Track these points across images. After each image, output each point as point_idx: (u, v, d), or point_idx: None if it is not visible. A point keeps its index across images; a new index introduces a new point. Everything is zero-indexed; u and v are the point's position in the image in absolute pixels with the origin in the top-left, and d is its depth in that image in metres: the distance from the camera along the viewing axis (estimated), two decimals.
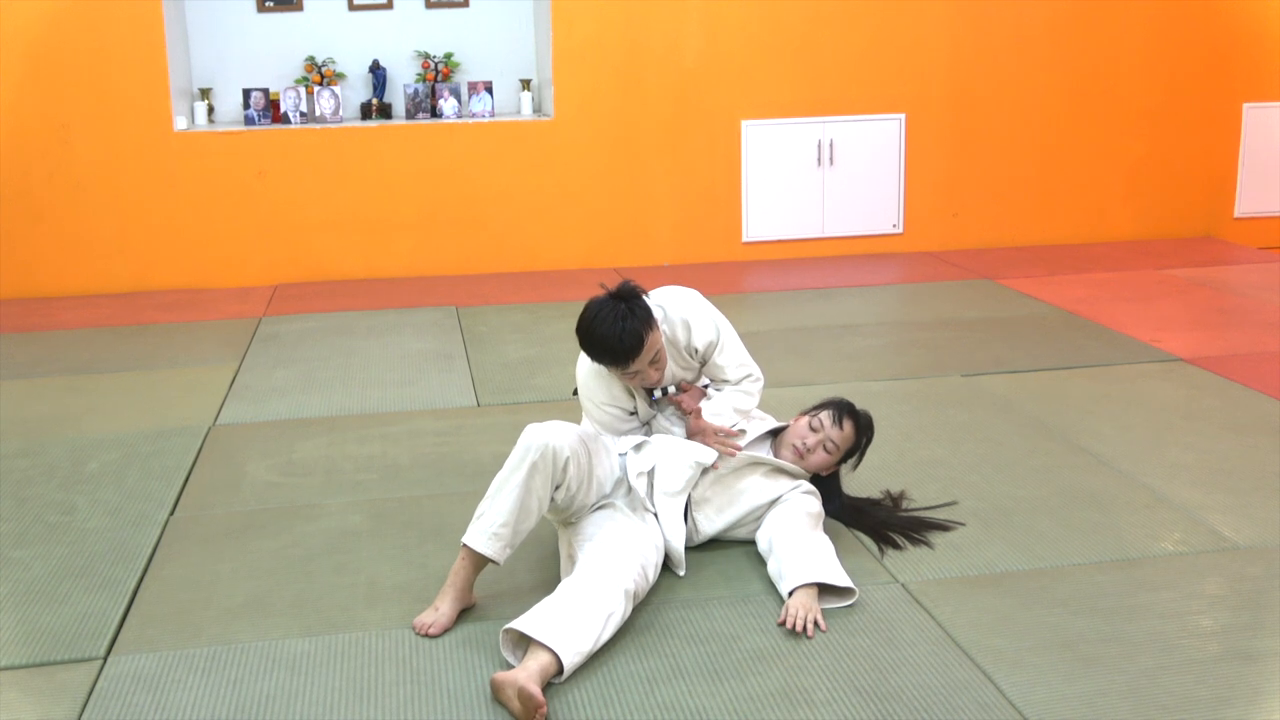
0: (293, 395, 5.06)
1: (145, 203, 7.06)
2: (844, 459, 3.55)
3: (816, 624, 2.97)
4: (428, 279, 7.32)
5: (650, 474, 3.31)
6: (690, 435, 3.45)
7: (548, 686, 2.69)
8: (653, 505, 3.28)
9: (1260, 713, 2.60)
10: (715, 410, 3.43)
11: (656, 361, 3.29)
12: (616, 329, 3.16)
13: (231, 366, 5.49)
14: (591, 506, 3.23)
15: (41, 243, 7.00)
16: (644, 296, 3.26)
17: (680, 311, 3.40)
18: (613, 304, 3.20)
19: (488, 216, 7.43)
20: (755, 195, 7.68)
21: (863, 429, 3.54)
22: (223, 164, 7.11)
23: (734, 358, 3.46)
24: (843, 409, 3.53)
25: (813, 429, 3.50)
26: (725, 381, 3.47)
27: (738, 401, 3.46)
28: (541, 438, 3.03)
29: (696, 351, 3.42)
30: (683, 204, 7.61)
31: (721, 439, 3.39)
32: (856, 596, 3.09)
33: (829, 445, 3.48)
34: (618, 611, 2.88)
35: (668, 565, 3.26)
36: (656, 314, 3.30)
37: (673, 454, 3.33)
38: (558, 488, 3.08)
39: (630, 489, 3.28)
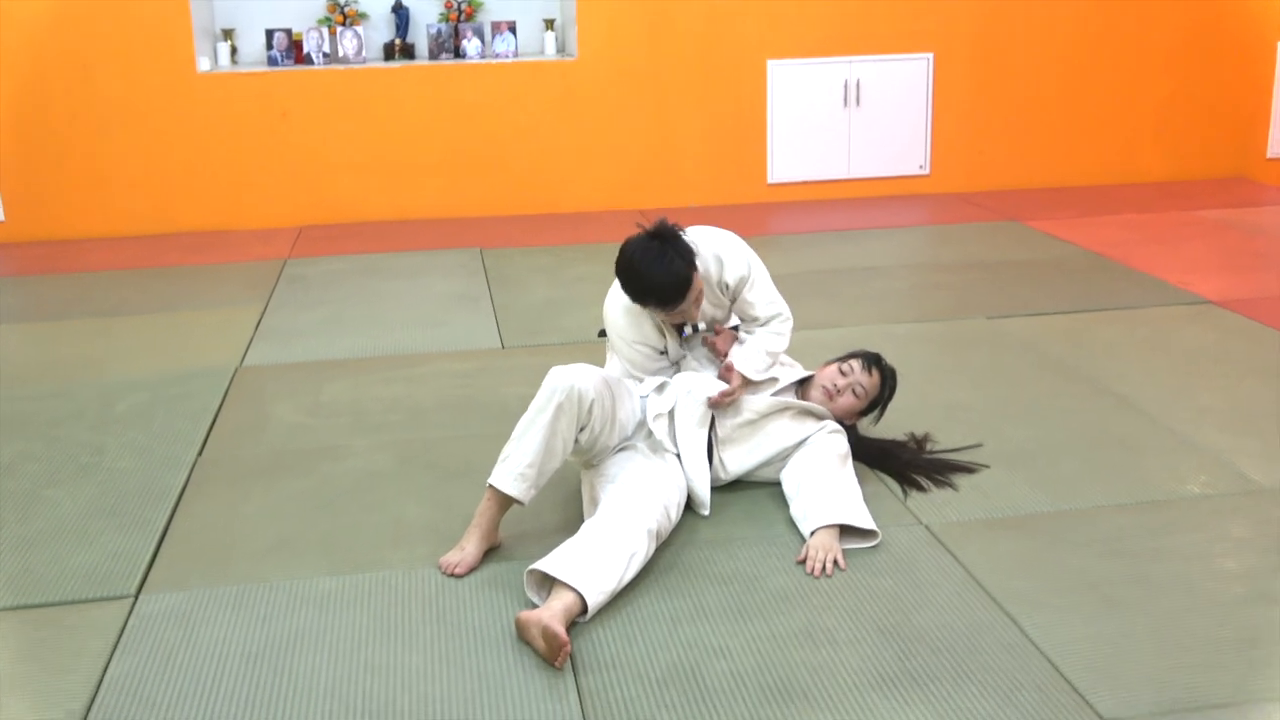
0: (319, 337, 5.08)
1: (169, 144, 7.06)
2: (868, 409, 3.55)
3: (837, 564, 2.98)
4: (452, 221, 7.31)
5: (670, 414, 3.31)
6: (722, 378, 3.45)
7: (572, 626, 2.71)
8: (674, 446, 3.28)
9: None
10: (747, 353, 3.42)
11: (697, 299, 3.27)
12: (662, 271, 3.13)
13: (257, 308, 5.51)
14: (614, 448, 3.24)
15: (65, 185, 7.02)
16: (681, 234, 3.23)
17: (713, 247, 3.37)
18: (655, 245, 3.16)
19: (511, 158, 7.40)
20: (781, 136, 7.62)
21: (886, 380, 3.54)
22: (246, 105, 7.10)
23: (764, 295, 3.43)
24: (871, 358, 3.54)
25: (842, 373, 3.51)
26: (755, 319, 3.45)
27: (769, 344, 3.45)
28: (567, 380, 3.04)
29: (728, 287, 3.40)
30: (707, 145, 7.56)
31: (736, 391, 3.37)
32: (879, 538, 3.10)
33: (858, 389, 3.48)
34: (640, 551, 2.89)
35: (691, 505, 3.28)
36: None
37: (691, 391, 3.33)
38: (582, 429, 3.09)
39: (651, 432, 3.29)
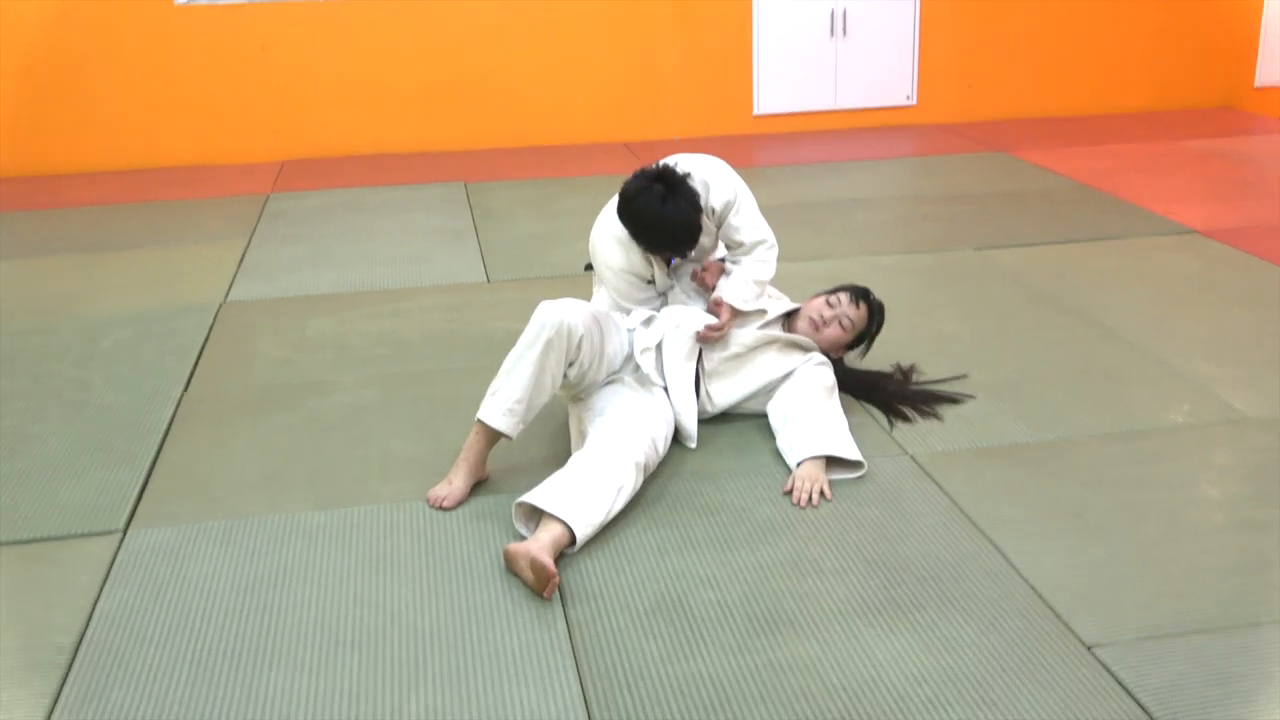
0: (303, 272, 5.06)
1: (148, 79, 6.98)
2: (854, 344, 3.56)
3: (823, 494, 3.00)
4: (435, 154, 7.26)
5: (658, 348, 3.32)
6: (710, 311, 3.45)
7: (560, 557, 2.72)
8: (662, 379, 3.29)
9: (1266, 581, 2.63)
10: (734, 284, 3.41)
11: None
12: (678, 222, 3.16)
13: (240, 243, 5.48)
14: (602, 382, 3.25)
15: (45, 120, 6.94)
16: (689, 182, 3.23)
17: (700, 172, 3.35)
18: (662, 191, 3.17)
19: (495, 90, 7.34)
20: (767, 67, 7.57)
21: (874, 314, 3.55)
22: (225, 38, 7.01)
23: (750, 220, 3.42)
24: (859, 291, 3.55)
25: (830, 305, 3.51)
26: (740, 245, 3.43)
27: (755, 272, 3.44)
28: (556, 315, 3.03)
29: (714, 212, 3.39)
30: (693, 76, 7.51)
31: (725, 325, 3.37)
32: (865, 469, 3.12)
33: (844, 321, 3.49)
34: (628, 484, 2.91)
35: (678, 438, 3.29)
36: None
37: (679, 324, 3.33)
38: (571, 364, 3.09)
39: (638, 365, 3.29)
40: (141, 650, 2.48)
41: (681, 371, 3.30)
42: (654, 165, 3.24)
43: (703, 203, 3.35)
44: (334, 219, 5.89)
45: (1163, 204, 5.69)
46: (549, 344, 3.02)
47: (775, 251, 3.48)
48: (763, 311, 3.49)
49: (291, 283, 4.92)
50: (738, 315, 3.43)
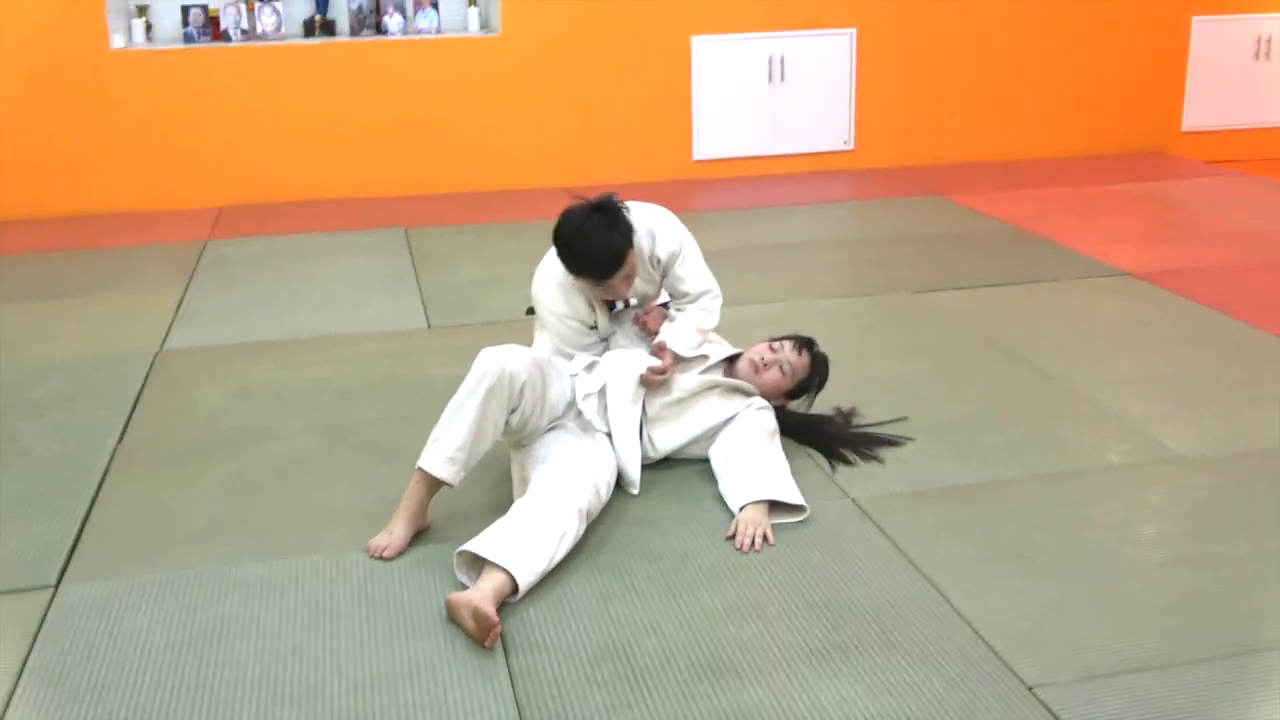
0: (241, 319, 5.01)
1: (83, 124, 6.90)
2: (795, 394, 3.57)
3: (765, 539, 3.00)
4: (376, 200, 7.23)
5: (601, 393, 3.31)
6: (653, 354, 3.45)
7: (503, 606, 2.70)
8: (605, 425, 3.28)
9: (1204, 618, 2.66)
10: (678, 331, 3.43)
11: (630, 276, 3.28)
12: (602, 242, 3.14)
13: (178, 290, 5.42)
14: (544, 429, 3.24)
15: None
16: (623, 209, 3.24)
17: (646, 222, 3.37)
18: (595, 216, 3.17)
19: (435, 135, 7.33)
20: (706, 113, 7.63)
21: (818, 366, 3.57)
22: (162, 83, 6.96)
23: (695, 271, 3.44)
24: (803, 341, 3.57)
25: (772, 349, 3.53)
26: (685, 295, 3.46)
27: (699, 321, 3.46)
28: (497, 362, 3.02)
29: (659, 262, 3.40)
30: (633, 122, 7.55)
31: (668, 369, 3.38)
32: (808, 513, 3.12)
33: (785, 366, 3.50)
34: (571, 530, 2.89)
35: (620, 484, 3.28)
36: None
37: (622, 369, 3.34)
38: (513, 411, 3.08)
39: (580, 411, 3.29)
40: (74, 708, 2.43)
41: (626, 416, 3.30)
42: (598, 197, 3.25)
43: (648, 252, 3.37)
44: (273, 265, 5.85)
45: (1095, 247, 5.78)
46: (490, 391, 3.01)
47: (719, 302, 3.50)
48: (705, 357, 3.50)
49: (230, 330, 4.87)
50: (680, 361, 3.43)
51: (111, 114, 6.92)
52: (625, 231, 3.19)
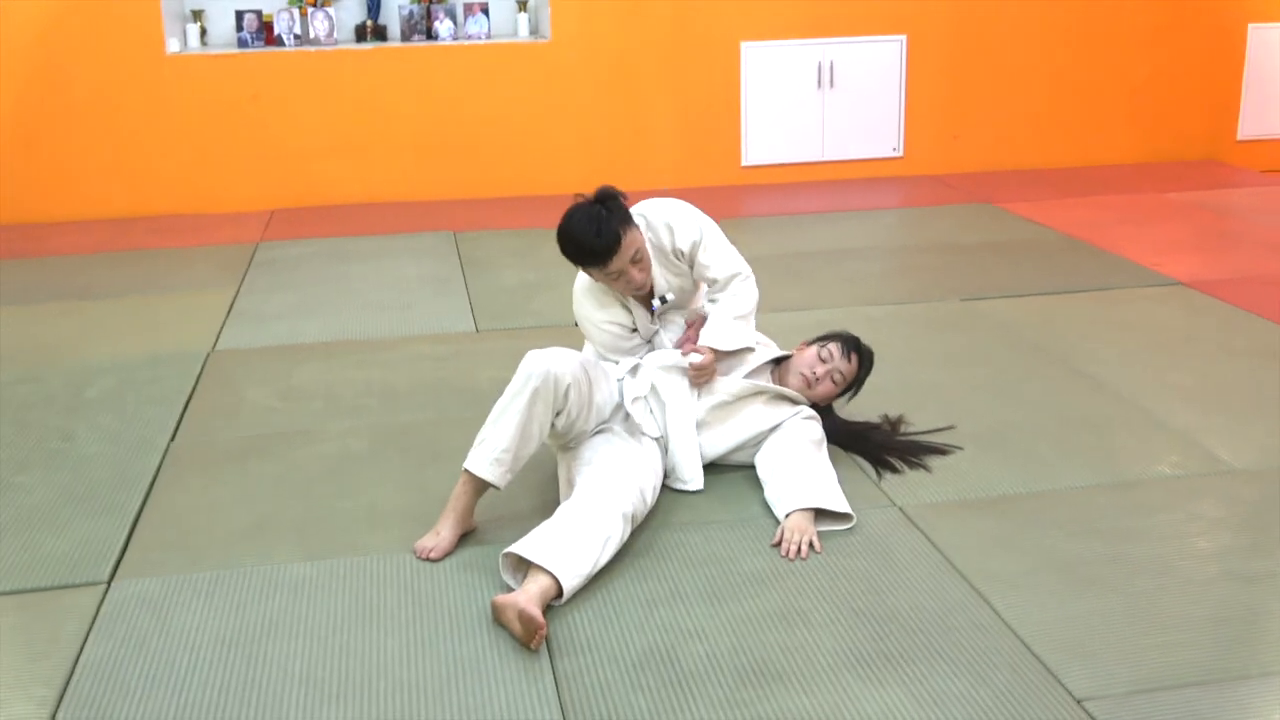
0: (291, 320, 5.05)
1: (138, 127, 6.99)
2: (845, 391, 3.56)
3: (812, 546, 2.99)
4: (424, 204, 7.27)
5: (649, 395, 3.32)
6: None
7: (547, 609, 2.71)
8: (654, 428, 3.29)
9: (1257, 633, 2.62)
10: (714, 327, 3.42)
11: (639, 261, 3.27)
12: (593, 228, 3.16)
13: (229, 292, 5.47)
14: (590, 432, 3.24)
15: (35, 168, 6.95)
16: (620, 197, 3.26)
17: (663, 216, 3.39)
18: (589, 206, 3.21)
19: (484, 140, 7.37)
20: (755, 119, 7.61)
21: (865, 364, 3.55)
22: (216, 87, 7.04)
23: (719, 254, 3.43)
24: (850, 343, 3.54)
25: (822, 359, 3.50)
26: (714, 282, 3.45)
27: (733, 308, 3.44)
28: (543, 364, 3.04)
29: (682, 254, 3.40)
30: (681, 127, 7.55)
31: (707, 363, 3.37)
32: (854, 521, 3.11)
33: (836, 376, 3.49)
34: (616, 534, 2.90)
35: (669, 484, 3.29)
36: (639, 221, 3.31)
37: (666, 366, 3.36)
38: (559, 414, 3.09)
39: (628, 415, 3.29)
40: (125, 703, 2.46)
41: (684, 409, 3.30)
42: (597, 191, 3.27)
43: (669, 246, 3.38)
44: (322, 267, 5.90)
45: (1148, 256, 5.72)
46: (536, 393, 3.02)
47: (751, 282, 3.49)
48: (749, 350, 3.48)
49: (279, 331, 4.91)
50: (722, 356, 3.43)
51: (166, 117, 7.00)
52: (620, 214, 3.20)
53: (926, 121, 7.82)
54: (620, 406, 3.32)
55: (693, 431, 3.32)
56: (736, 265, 3.46)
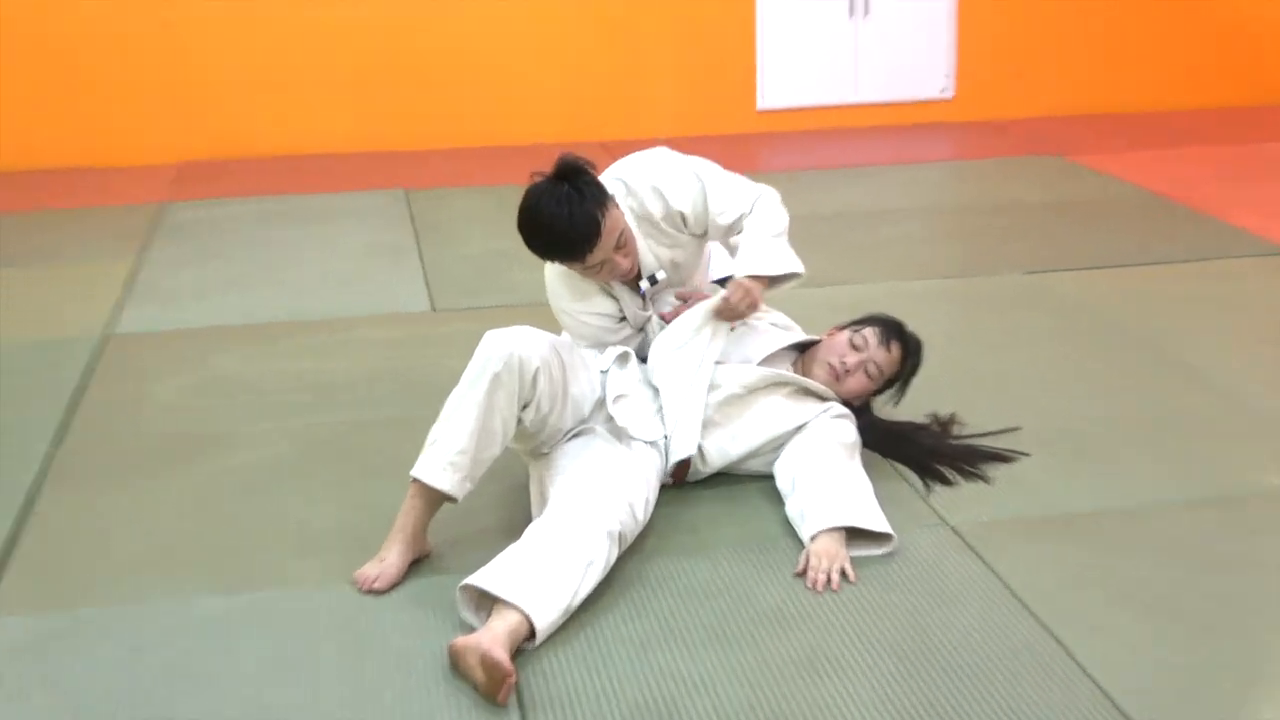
0: (206, 298, 5.07)
1: (27, 63, 6.95)
2: (883, 388, 3.55)
3: (844, 575, 2.97)
4: (369, 155, 7.28)
5: (643, 383, 3.34)
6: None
7: (517, 654, 2.68)
8: (646, 432, 3.27)
9: None
10: (748, 254, 3.36)
11: (623, 246, 3.27)
12: (564, 215, 3.15)
13: (130, 262, 5.48)
14: (567, 433, 3.23)
15: None
16: (589, 170, 3.25)
17: (646, 178, 3.38)
18: (553, 187, 3.19)
19: (444, 79, 7.35)
20: (773, 53, 7.61)
21: (909, 357, 3.53)
22: (118, 12, 7.00)
23: (728, 193, 3.41)
24: (891, 328, 3.53)
25: (854, 346, 3.49)
26: (738, 221, 3.41)
27: (765, 227, 3.39)
28: (505, 346, 3.02)
29: (684, 218, 3.39)
30: (684, 63, 7.54)
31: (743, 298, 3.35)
32: (895, 543, 3.09)
33: (871, 368, 3.47)
34: (599, 558, 2.87)
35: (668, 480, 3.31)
36: (616, 189, 3.31)
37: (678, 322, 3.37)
38: (525, 406, 3.07)
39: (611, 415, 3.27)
40: None
41: (684, 344, 3.33)
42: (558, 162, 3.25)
43: (662, 213, 3.38)
44: (245, 233, 5.91)
45: (1252, 218, 5.73)
46: (496, 380, 3.00)
47: (775, 198, 3.46)
48: (796, 275, 3.43)
49: (192, 311, 4.92)
50: (767, 284, 3.40)
51: (60, 50, 6.97)
52: (594, 195, 3.19)
53: (982, 56, 7.81)
54: (603, 403, 3.30)
55: (702, 381, 3.30)
56: (752, 190, 3.44)
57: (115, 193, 6.60)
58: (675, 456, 3.28)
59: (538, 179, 3.24)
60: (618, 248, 3.25)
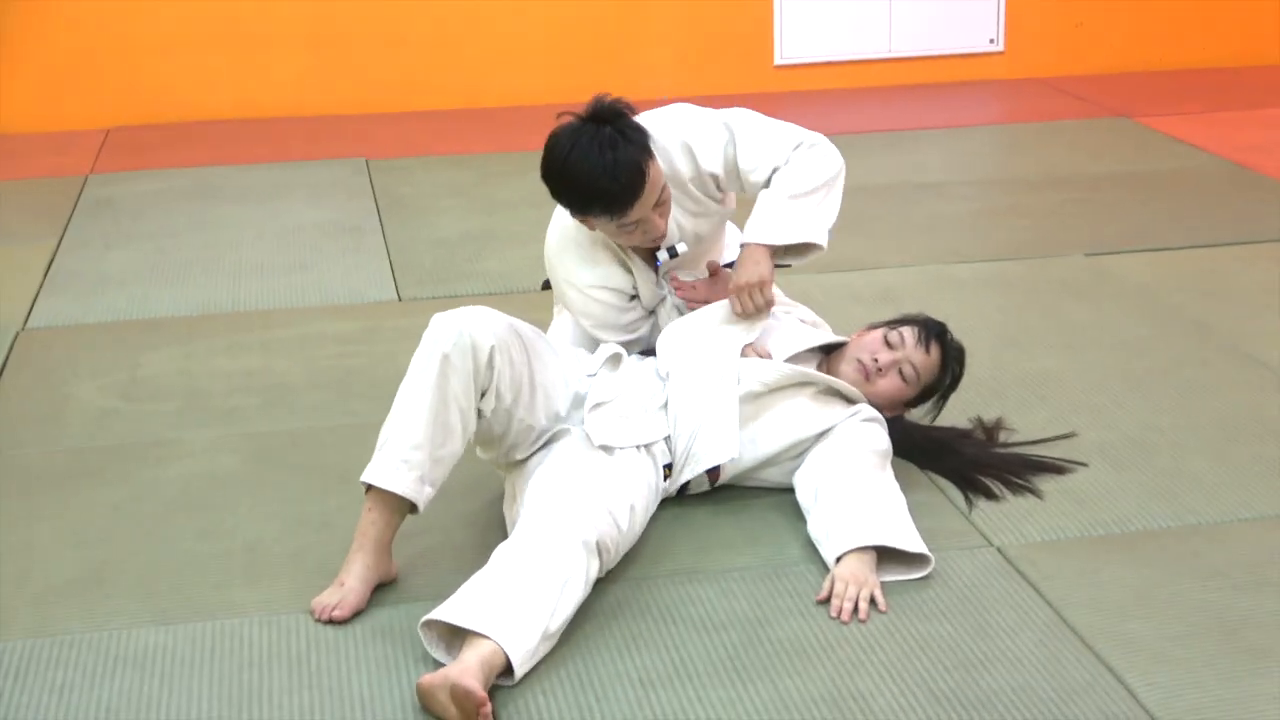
0: (135, 286, 5.06)
1: None
2: (919, 399, 3.57)
3: (873, 603, 2.99)
4: (325, 120, 7.26)
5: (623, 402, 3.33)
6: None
7: (494, 691, 2.69)
8: (627, 439, 3.25)
9: None
10: (760, 219, 3.38)
11: (662, 204, 3.28)
12: (606, 161, 3.13)
13: (48, 245, 5.48)
14: (541, 436, 3.23)
15: None
16: (631, 111, 3.25)
17: (676, 133, 3.38)
18: (592, 129, 3.18)
19: (409, 31, 7.34)
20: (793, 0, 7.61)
21: (950, 361, 3.55)
22: None
23: (762, 145, 3.41)
24: (931, 329, 3.54)
25: (889, 344, 3.50)
26: (772, 174, 3.42)
27: (789, 185, 3.39)
28: (453, 326, 3.03)
29: (717, 178, 3.41)
30: (690, 13, 7.53)
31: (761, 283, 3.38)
32: (932, 565, 3.11)
33: (907, 369, 3.48)
34: (577, 573, 2.86)
35: (687, 487, 3.33)
36: None
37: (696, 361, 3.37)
38: (484, 394, 3.07)
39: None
40: None
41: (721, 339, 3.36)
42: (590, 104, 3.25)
43: (690, 173, 3.39)
44: (181, 210, 5.90)
45: None
46: (446, 363, 3.00)
47: (821, 150, 3.45)
48: (818, 247, 3.47)
49: (119, 301, 4.92)
50: (779, 258, 3.43)
51: None
52: (638, 140, 3.19)
53: (1037, 4, 7.80)
54: (582, 400, 3.29)
55: (731, 380, 3.32)
56: (790, 139, 3.43)
57: (29, 165, 6.57)
58: (710, 462, 3.28)
59: (567, 119, 3.23)
60: (657, 204, 3.25)
